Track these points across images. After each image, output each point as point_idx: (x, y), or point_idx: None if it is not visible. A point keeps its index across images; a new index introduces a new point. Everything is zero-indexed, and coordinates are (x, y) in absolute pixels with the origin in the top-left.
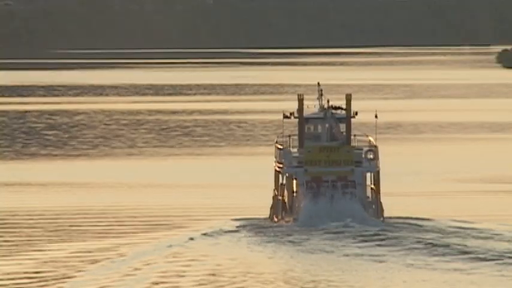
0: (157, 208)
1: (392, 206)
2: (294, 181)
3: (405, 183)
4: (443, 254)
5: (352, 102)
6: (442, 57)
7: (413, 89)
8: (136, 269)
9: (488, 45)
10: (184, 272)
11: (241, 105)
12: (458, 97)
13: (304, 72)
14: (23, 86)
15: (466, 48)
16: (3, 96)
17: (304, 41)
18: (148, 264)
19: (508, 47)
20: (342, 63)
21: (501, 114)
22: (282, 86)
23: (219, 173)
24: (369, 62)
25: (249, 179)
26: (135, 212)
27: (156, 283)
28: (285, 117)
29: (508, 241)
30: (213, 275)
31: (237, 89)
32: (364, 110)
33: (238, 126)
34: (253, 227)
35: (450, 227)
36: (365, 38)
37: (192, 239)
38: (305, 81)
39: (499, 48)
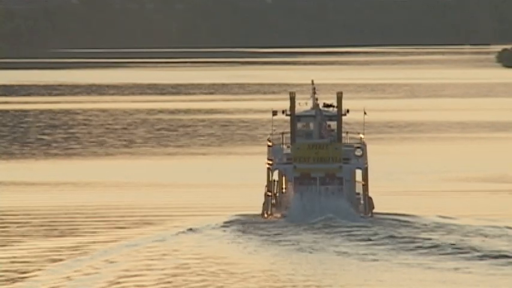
0: (155, 206)
1: (390, 203)
2: (284, 177)
3: (403, 181)
4: (419, 249)
5: (353, 102)
6: (441, 57)
7: (413, 88)
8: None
9: (488, 44)
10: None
11: (242, 105)
12: (458, 96)
13: (304, 71)
14: (23, 86)
15: (466, 48)
16: (3, 96)
17: (304, 40)
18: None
19: (508, 46)
20: (342, 63)
21: (501, 114)
22: (282, 85)
23: (218, 171)
24: (369, 61)
25: (249, 178)
26: (134, 209)
27: (123, 277)
28: (274, 114)
29: (500, 239)
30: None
31: (237, 88)
32: (365, 109)
33: (239, 126)
34: (241, 223)
35: (434, 223)
36: (365, 37)
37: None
38: (305, 81)
39: (499, 48)
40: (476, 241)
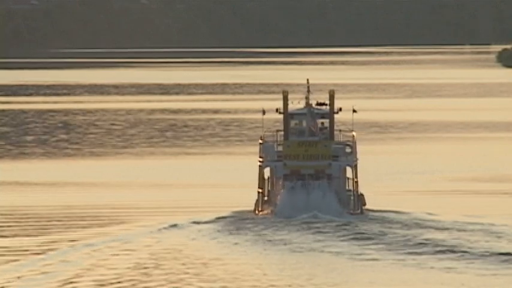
0: (154, 205)
1: (388, 203)
2: (275, 174)
3: (403, 181)
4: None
5: (353, 102)
6: (441, 57)
7: (414, 88)
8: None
9: (489, 44)
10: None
11: (242, 105)
12: (458, 96)
13: (304, 71)
14: (23, 86)
15: (466, 48)
16: (3, 96)
17: (304, 40)
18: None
19: (508, 46)
20: (342, 63)
21: (501, 114)
22: (282, 85)
23: (218, 171)
24: (369, 61)
25: (248, 177)
26: (133, 208)
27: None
28: (264, 113)
29: (494, 238)
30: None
31: (237, 88)
32: (365, 109)
33: (239, 126)
34: (231, 219)
35: (417, 219)
36: (365, 37)
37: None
38: (305, 81)
39: (499, 48)
40: (471, 241)
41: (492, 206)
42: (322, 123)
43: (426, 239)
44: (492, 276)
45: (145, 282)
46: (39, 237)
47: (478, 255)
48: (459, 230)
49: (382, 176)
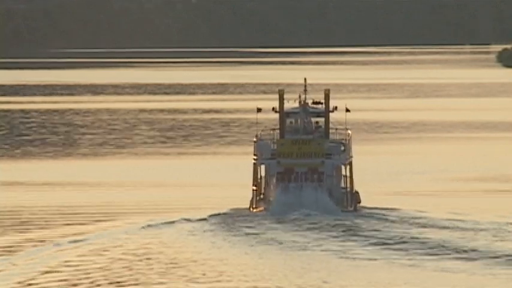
0: (154, 204)
1: (386, 201)
2: (269, 172)
3: (403, 181)
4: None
5: (353, 102)
6: (441, 57)
7: (414, 88)
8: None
9: (489, 44)
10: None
11: (242, 105)
12: (458, 96)
13: (304, 71)
14: (23, 86)
15: (466, 47)
16: (3, 96)
17: (304, 40)
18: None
19: (508, 46)
20: (342, 63)
21: (501, 114)
22: (281, 85)
23: (218, 171)
24: (369, 61)
25: (248, 176)
26: (133, 207)
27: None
28: (259, 111)
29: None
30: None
31: (237, 88)
32: (365, 109)
33: (239, 126)
34: (224, 217)
35: (413, 217)
36: (365, 37)
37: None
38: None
39: (499, 48)
40: (471, 240)
41: (492, 206)
42: (317, 122)
43: (423, 238)
44: (491, 276)
45: (130, 278)
46: (38, 236)
47: (477, 255)
48: (458, 230)
49: (381, 176)
